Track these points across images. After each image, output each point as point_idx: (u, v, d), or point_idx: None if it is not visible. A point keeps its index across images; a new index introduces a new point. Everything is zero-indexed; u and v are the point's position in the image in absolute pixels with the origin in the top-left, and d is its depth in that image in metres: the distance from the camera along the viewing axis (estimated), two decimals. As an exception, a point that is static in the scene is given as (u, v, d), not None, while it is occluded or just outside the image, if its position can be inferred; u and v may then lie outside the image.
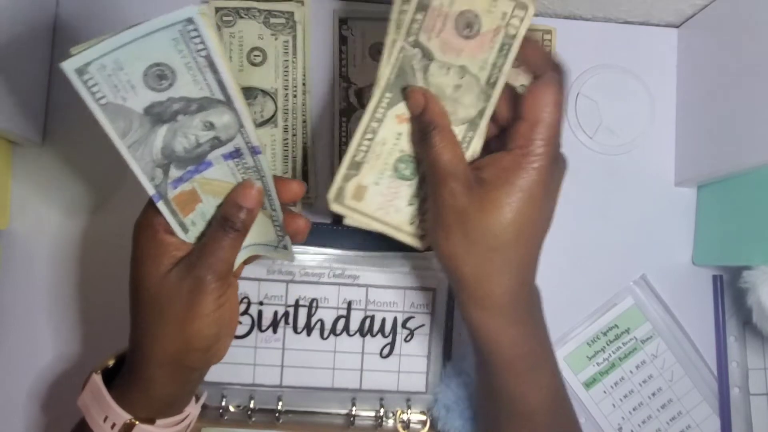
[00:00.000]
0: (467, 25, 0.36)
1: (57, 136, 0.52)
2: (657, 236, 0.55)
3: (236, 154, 0.37)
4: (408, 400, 0.51)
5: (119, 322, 0.50)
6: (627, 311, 0.54)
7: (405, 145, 0.40)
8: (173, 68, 0.32)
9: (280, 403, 0.50)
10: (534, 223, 0.37)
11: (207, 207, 0.38)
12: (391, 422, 0.51)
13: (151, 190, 0.35)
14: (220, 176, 0.37)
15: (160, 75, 0.32)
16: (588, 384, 0.53)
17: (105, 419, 0.38)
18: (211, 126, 0.35)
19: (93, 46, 0.29)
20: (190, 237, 0.38)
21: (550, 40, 0.55)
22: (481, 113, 0.38)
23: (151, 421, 0.39)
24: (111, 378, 0.40)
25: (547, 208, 0.38)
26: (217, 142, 0.36)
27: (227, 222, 0.37)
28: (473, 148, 0.39)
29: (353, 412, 0.50)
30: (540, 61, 0.37)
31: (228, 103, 0.34)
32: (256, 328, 0.50)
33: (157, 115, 0.33)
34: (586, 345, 0.54)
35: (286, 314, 0.51)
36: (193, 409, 0.42)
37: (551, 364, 0.41)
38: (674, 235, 0.55)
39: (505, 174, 0.35)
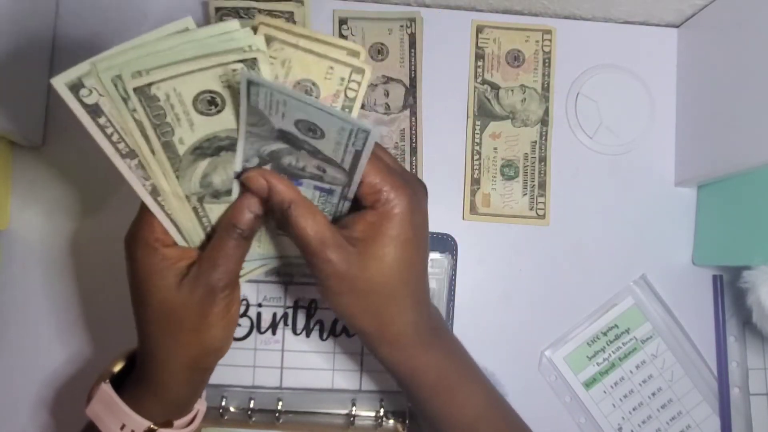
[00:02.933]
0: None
1: (57, 137, 0.52)
2: (657, 236, 0.55)
3: (329, 192, 0.37)
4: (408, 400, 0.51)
5: (119, 322, 0.50)
6: (627, 311, 0.54)
7: (503, 154, 0.53)
8: (325, 133, 0.33)
9: (280, 404, 0.50)
10: (414, 259, 0.38)
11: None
12: (391, 422, 0.51)
13: (238, 166, 0.36)
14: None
15: (311, 129, 0.33)
16: (588, 384, 0.53)
17: (122, 427, 0.38)
18: (323, 171, 0.36)
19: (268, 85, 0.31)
20: (194, 243, 0.38)
21: (550, 40, 0.55)
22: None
23: (169, 424, 0.40)
24: (116, 381, 0.40)
25: (422, 238, 0.39)
26: (318, 178, 0.37)
27: (234, 228, 0.37)
28: (343, 209, 0.39)
29: (353, 413, 0.50)
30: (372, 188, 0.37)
31: (348, 174, 0.35)
32: (255, 330, 0.50)
33: (286, 137, 0.34)
34: (586, 345, 0.54)
35: (285, 316, 0.51)
36: (201, 405, 0.43)
37: (474, 373, 0.43)
38: (674, 235, 0.55)
39: (374, 228, 0.36)
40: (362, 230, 0.37)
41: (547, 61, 0.55)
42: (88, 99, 0.32)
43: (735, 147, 0.47)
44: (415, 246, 0.38)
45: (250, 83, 0.31)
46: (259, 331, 0.50)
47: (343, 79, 0.35)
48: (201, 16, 0.53)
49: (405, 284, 0.38)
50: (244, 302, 0.50)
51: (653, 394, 0.54)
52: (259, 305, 0.50)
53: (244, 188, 0.37)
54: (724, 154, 0.49)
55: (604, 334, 0.54)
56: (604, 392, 0.54)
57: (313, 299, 0.51)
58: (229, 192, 0.37)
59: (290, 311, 0.51)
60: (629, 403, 0.54)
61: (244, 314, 0.50)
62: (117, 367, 0.41)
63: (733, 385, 0.54)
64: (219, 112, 0.34)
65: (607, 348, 0.54)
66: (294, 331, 0.51)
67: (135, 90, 0.31)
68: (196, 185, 0.36)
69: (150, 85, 0.31)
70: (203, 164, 0.35)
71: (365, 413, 0.51)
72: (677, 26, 0.56)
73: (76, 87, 0.31)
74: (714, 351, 0.54)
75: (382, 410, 0.51)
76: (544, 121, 0.54)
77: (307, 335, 0.51)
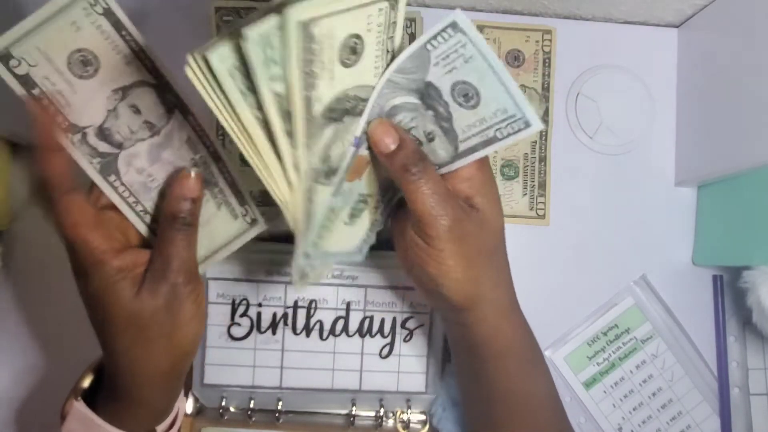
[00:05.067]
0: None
1: (57, 136, 0.52)
2: (657, 236, 0.55)
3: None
4: (408, 400, 0.51)
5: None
6: (627, 311, 0.54)
7: (503, 154, 0.52)
8: (480, 104, 0.33)
9: (280, 404, 0.50)
10: (502, 220, 0.39)
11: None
12: (391, 422, 0.51)
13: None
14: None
15: (467, 95, 0.33)
16: (588, 384, 0.53)
17: None
18: (430, 140, 0.36)
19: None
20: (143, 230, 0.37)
21: (550, 40, 0.55)
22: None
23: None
24: (90, 395, 0.39)
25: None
26: (418, 143, 0.36)
27: (176, 219, 0.35)
28: None
29: (353, 413, 0.50)
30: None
31: (456, 155, 0.36)
32: (255, 330, 0.50)
33: (426, 92, 0.34)
34: (586, 345, 0.54)
35: (285, 315, 0.51)
36: (179, 403, 0.42)
37: (541, 354, 0.43)
38: (674, 235, 0.55)
39: (475, 181, 0.37)
40: (469, 186, 0.36)
41: (547, 61, 0.55)
42: (18, 69, 0.31)
43: (735, 147, 0.47)
44: (501, 207, 0.38)
45: (451, 25, 0.30)
46: (259, 330, 0.50)
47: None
48: (201, 16, 0.53)
49: (501, 246, 0.38)
50: (245, 302, 0.50)
51: (653, 394, 0.54)
52: (259, 305, 0.50)
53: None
54: (724, 154, 0.49)
55: (604, 334, 0.54)
56: (604, 392, 0.54)
57: (313, 299, 0.51)
58: (335, 172, 0.35)
59: (290, 311, 0.50)
60: (629, 403, 0.54)
61: (245, 314, 0.50)
62: (86, 382, 0.39)
63: (733, 385, 0.54)
64: (356, 62, 0.32)
65: (607, 348, 0.54)
66: (294, 331, 0.51)
67: (299, 24, 0.28)
68: (317, 159, 0.33)
69: (313, 21, 0.28)
70: (328, 133, 0.33)
71: (365, 413, 0.51)
72: (677, 26, 0.56)
73: (5, 58, 0.31)
74: (714, 351, 0.54)
75: (382, 410, 0.51)
76: (544, 121, 0.54)
77: (307, 335, 0.51)
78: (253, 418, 0.50)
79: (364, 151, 0.36)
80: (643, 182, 0.55)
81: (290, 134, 0.31)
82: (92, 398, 0.39)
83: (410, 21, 0.53)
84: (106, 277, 0.34)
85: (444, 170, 0.36)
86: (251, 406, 0.50)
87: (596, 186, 0.55)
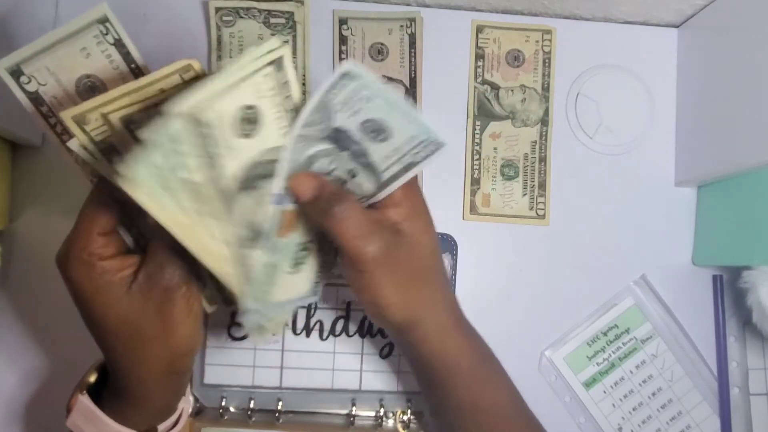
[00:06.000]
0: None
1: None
2: (657, 236, 0.55)
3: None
4: (408, 400, 0.51)
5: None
6: (627, 311, 0.54)
7: (503, 154, 0.53)
8: (392, 136, 0.35)
9: (280, 404, 0.50)
10: (437, 241, 0.40)
11: None
12: (391, 422, 0.51)
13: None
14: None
15: (378, 130, 0.35)
16: (588, 384, 0.53)
17: None
18: (353, 176, 0.37)
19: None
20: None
21: (550, 40, 0.55)
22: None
23: (153, 430, 0.39)
24: (96, 391, 0.39)
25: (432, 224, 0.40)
26: (342, 182, 0.37)
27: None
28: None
29: (353, 413, 0.50)
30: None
31: (380, 185, 0.37)
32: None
33: (337, 136, 0.35)
34: (586, 345, 0.54)
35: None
36: (184, 403, 0.43)
37: (497, 360, 0.44)
38: (674, 235, 0.55)
39: (403, 208, 0.38)
40: (397, 213, 0.37)
41: (547, 61, 0.55)
42: (29, 86, 0.32)
43: (735, 147, 0.47)
44: (433, 228, 0.39)
45: (345, 75, 0.31)
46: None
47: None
48: (201, 17, 0.53)
49: (436, 266, 0.39)
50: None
51: (653, 394, 0.54)
52: (259, 305, 0.50)
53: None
54: (724, 154, 0.49)
55: (604, 334, 0.54)
56: (604, 392, 0.54)
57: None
58: (262, 234, 0.36)
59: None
60: (629, 403, 0.54)
61: (244, 314, 0.50)
62: (92, 377, 0.40)
63: (733, 385, 0.54)
64: (257, 130, 0.33)
65: (607, 348, 0.54)
66: (294, 331, 0.51)
67: (185, 116, 0.30)
68: (240, 227, 0.35)
69: (196, 109, 0.30)
70: (247, 201, 0.35)
71: (365, 413, 0.51)
72: (677, 26, 0.56)
73: (16, 73, 0.32)
74: (714, 351, 0.54)
75: (382, 410, 0.51)
76: (544, 121, 0.54)
77: (307, 335, 0.51)
78: (253, 418, 0.50)
79: (290, 206, 0.37)
80: (643, 182, 0.55)
81: (211, 214, 0.33)
82: (98, 394, 0.39)
83: (410, 21, 0.54)
84: (93, 279, 0.35)
85: (373, 200, 0.38)
86: (251, 406, 0.50)
87: (596, 186, 0.55)
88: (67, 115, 0.30)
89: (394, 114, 0.32)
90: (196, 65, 0.32)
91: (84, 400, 0.38)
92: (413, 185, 0.39)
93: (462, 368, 0.41)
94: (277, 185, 0.36)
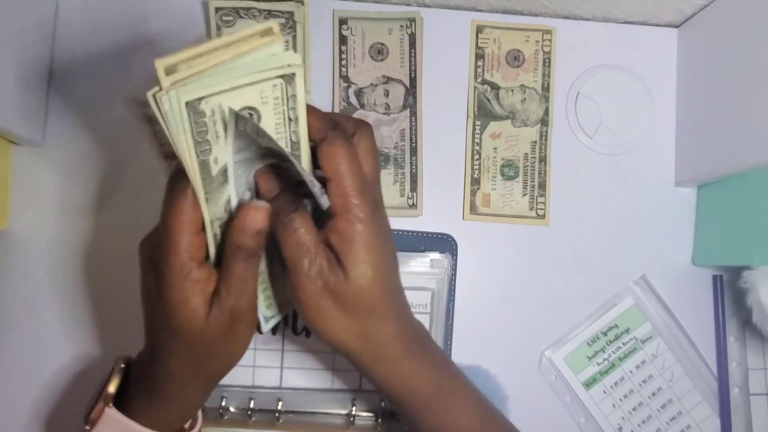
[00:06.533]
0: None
1: (57, 136, 0.52)
2: (657, 236, 0.55)
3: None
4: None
5: (120, 322, 0.50)
6: (627, 311, 0.54)
7: (503, 154, 0.53)
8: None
9: (280, 404, 0.50)
10: (388, 267, 0.37)
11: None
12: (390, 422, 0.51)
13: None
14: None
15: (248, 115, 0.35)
16: (588, 384, 0.53)
17: None
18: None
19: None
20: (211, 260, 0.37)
21: (550, 40, 0.55)
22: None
23: (182, 431, 0.41)
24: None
25: (390, 248, 0.38)
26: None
27: (239, 249, 0.35)
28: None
29: (353, 413, 0.50)
30: (320, 125, 0.36)
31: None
32: (255, 330, 0.50)
33: (272, 152, 0.36)
34: (586, 345, 0.54)
35: (285, 316, 0.50)
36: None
37: (464, 383, 0.42)
38: (674, 235, 0.55)
39: (345, 238, 0.35)
40: (336, 241, 0.35)
41: (547, 61, 0.55)
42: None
43: (735, 147, 0.47)
44: (384, 253, 0.37)
45: (237, 117, 0.32)
46: (259, 331, 0.50)
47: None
48: (201, 16, 0.53)
49: (384, 294, 0.37)
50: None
51: (653, 394, 0.54)
52: (259, 305, 0.50)
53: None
54: (724, 154, 0.49)
55: (604, 334, 0.54)
56: (604, 392, 0.54)
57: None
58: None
59: (290, 311, 0.50)
60: (629, 403, 0.54)
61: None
62: (115, 386, 0.40)
63: (733, 385, 0.54)
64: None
65: (607, 348, 0.54)
66: (294, 331, 0.51)
67: (187, 104, 0.31)
68: (221, 210, 0.36)
69: (200, 99, 0.31)
70: (229, 188, 0.35)
71: (365, 413, 0.51)
72: (677, 26, 0.56)
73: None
74: (714, 351, 0.54)
75: (382, 410, 0.51)
76: (544, 121, 0.54)
77: (307, 335, 0.51)
78: (253, 418, 0.50)
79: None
80: (643, 182, 0.55)
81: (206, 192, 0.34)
82: (117, 397, 0.39)
83: (410, 21, 0.54)
84: (184, 289, 0.34)
85: (322, 194, 0.36)
86: (251, 406, 0.50)
87: (596, 186, 0.55)
88: (160, 64, 0.30)
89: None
90: (276, 28, 0.33)
91: (113, 413, 0.38)
92: (375, 217, 0.36)
93: (418, 396, 0.40)
94: (232, 199, 0.36)
